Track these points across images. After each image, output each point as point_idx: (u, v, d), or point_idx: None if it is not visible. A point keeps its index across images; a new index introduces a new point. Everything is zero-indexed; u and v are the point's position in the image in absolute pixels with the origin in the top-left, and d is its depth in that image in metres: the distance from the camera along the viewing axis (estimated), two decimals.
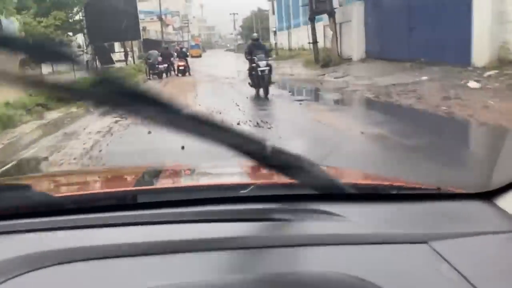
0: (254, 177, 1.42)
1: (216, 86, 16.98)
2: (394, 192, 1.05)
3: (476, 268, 0.76)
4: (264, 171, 1.28)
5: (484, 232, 0.87)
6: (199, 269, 0.78)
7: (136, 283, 0.75)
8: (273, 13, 31.98)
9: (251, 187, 1.01)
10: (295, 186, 0.99)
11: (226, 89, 15.14)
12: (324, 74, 16.94)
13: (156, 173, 1.58)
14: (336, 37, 19.50)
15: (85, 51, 36.08)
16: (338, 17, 19.88)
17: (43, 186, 1.46)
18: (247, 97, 12.07)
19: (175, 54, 23.67)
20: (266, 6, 70.55)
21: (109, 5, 37.90)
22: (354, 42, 19.33)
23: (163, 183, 1.49)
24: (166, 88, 17.61)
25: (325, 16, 21.54)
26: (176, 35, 79.49)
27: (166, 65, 22.91)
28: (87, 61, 36.49)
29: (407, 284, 0.73)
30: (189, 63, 23.69)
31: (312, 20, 22.02)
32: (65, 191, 1.39)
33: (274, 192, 1.03)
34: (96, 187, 1.55)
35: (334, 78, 15.22)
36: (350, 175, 1.60)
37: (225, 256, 0.82)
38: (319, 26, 23.23)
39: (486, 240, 0.86)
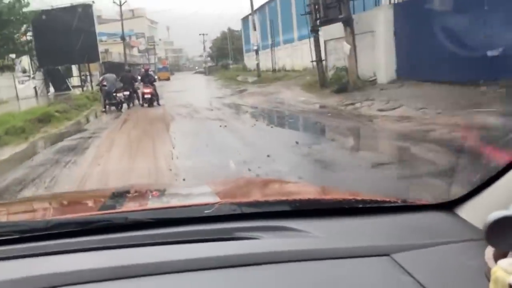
0: (220, 196, 1.41)
1: (201, 124, 11.35)
2: (359, 206, 1.02)
3: (436, 278, 0.76)
4: (231, 190, 1.61)
5: (446, 242, 0.87)
6: None
7: None
8: (254, 29, 27.04)
9: (216, 206, 1.00)
10: (260, 204, 1.08)
11: (218, 132, 9.60)
12: (351, 103, 11.90)
13: (123, 195, 1.61)
14: (355, 53, 14.60)
15: (31, 76, 30.23)
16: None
17: (5, 212, 1.50)
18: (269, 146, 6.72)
19: (140, 78, 18.14)
20: (237, 26, 66.53)
21: (62, 23, 32.58)
22: (380, 59, 14.52)
23: (131, 205, 1.48)
24: (125, 129, 11.99)
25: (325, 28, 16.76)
26: (141, 57, 73.86)
27: (127, 92, 17.50)
28: (34, 88, 30.76)
29: None
30: (157, 90, 18.39)
31: (316, 31, 17.13)
32: (30, 217, 1.37)
33: (239, 210, 1.00)
34: (63, 212, 1.51)
35: (378, 110, 10.09)
36: (315, 191, 1.64)
37: (193, 278, 0.80)
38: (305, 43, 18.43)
39: (447, 249, 0.85)
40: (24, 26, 32.83)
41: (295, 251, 0.86)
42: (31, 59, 33.07)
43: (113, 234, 0.96)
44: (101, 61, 50.58)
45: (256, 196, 1.52)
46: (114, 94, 16.58)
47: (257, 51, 29.49)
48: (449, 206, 1.00)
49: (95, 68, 51.51)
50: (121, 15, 41.94)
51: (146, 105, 17.24)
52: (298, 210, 1.01)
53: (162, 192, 1.72)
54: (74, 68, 38.92)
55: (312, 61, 18.26)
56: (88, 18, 34.03)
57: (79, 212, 1.33)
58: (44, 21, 32.34)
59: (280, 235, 0.93)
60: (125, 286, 0.79)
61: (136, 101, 18.42)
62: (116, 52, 54.26)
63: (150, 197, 1.67)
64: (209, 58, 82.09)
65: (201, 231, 0.95)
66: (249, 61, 54.15)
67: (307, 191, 1.58)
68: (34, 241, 0.95)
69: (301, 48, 34.57)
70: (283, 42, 38.08)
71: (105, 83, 17.34)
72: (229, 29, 75.35)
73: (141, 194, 1.68)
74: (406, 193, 3.85)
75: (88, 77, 37.52)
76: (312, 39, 18.58)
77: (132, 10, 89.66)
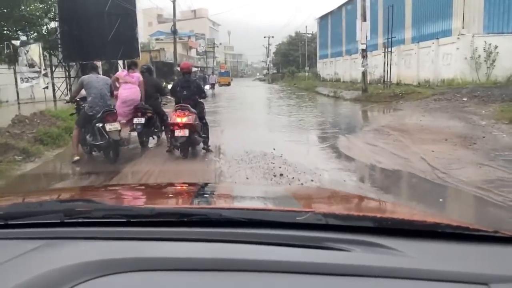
0: (303, 204, 1.43)
1: None
2: (450, 231, 0.96)
3: None
4: (315, 199, 1.60)
5: None
6: None
7: None
8: (364, 19, 16.23)
9: (308, 214, 0.98)
10: (351, 218, 1.02)
11: None
12: None
13: (214, 192, 1.70)
14: None
15: (42, 71, 21.26)
16: None
17: (107, 198, 1.54)
18: None
19: (170, 89, 7.76)
20: (312, 27, 55.95)
21: (96, 6, 23.66)
22: None
23: (222, 202, 1.52)
24: None
25: None
26: (199, 60, 65.13)
27: (141, 120, 7.55)
28: (53, 89, 21.77)
29: None
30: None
31: None
32: (134, 204, 1.41)
33: (331, 221, 0.97)
34: (160, 202, 1.51)
35: None
36: (404, 211, 1.57)
37: (283, 280, 0.80)
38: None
39: None
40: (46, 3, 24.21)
41: (387, 267, 0.81)
42: (47, 50, 24.34)
43: (209, 228, 0.96)
44: (151, 59, 42.23)
45: (344, 209, 1.44)
46: (101, 124, 6.49)
47: (365, 52, 18.54)
48: None
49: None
50: (174, 8, 32.51)
51: (178, 151, 6.96)
52: (389, 228, 0.95)
53: (250, 193, 1.74)
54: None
55: None
56: (128, 2, 24.75)
57: (176, 204, 1.44)
58: (73, 2, 23.64)
59: (371, 250, 0.87)
60: (222, 279, 0.79)
61: (159, 137, 8.41)
62: (172, 52, 45.13)
63: (239, 196, 1.68)
64: (271, 65, 71.99)
65: (292, 237, 0.93)
66: (324, 68, 43.33)
67: (395, 210, 1.54)
68: (138, 226, 0.98)
69: (418, 52, 23.68)
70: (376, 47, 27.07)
71: (82, 101, 7.21)
72: (297, 32, 64.80)
73: (231, 192, 1.73)
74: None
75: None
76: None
77: (194, 11, 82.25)
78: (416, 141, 7.64)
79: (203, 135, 7.11)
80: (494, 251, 0.92)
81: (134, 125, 7.83)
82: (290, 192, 1.69)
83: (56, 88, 23.43)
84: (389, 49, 19.63)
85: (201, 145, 7.27)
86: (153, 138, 8.45)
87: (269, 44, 68.05)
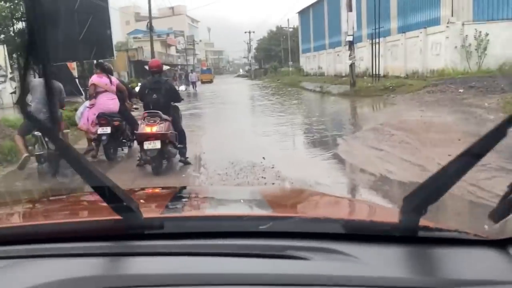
0: (272, 205, 1.41)
1: None
2: (410, 235, 0.94)
3: None
4: (283, 200, 1.64)
5: (498, 282, 0.81)
6: None
7: None
8: (350, 9, 15.24)
9: (270, 223, 0.97)
10: (314, 222, 1.01)
11: None
12: None
13: (181, 198, 1.61)
14: None
15: (8, 75, 19.72)
16: None
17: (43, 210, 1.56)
18: None
19: (138, 92, 6.65)
20: (293, 21, 54.84)
21: (65, 3, 22.16)
22: None
23: (189, 210, 1.46)
24: None
25: None
26: (179, 57, 63.47)
27: (107, 130, 6.40)
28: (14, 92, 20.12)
29: None
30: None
31: None
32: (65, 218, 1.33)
33: (293, 228, 0.97)
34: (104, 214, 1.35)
35: None
36: (369, 211, 1.55)
37: None
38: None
39: None
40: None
41: (344, 276, 0.82)
42: (16, 52, 22.78)
43: (163, 241, 0.93)
44: (129, 59, 40.57)
45: (309, 210, 1.48)
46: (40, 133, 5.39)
47: (351, 44, 17.54)
48: (504, 243, 0.91)
49: (123, 67, 41.41)
50: (149, 3, 31.06)
51: (149, 167, 5.81)
52: (350, 234, 0.95)
53: (213, 197, 1.72)
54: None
55: None
56: None
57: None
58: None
59: (330, 257, 0.88)
60: None
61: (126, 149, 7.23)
62: (149, 51, 43.55)
63: (202, 201, 1.64)
64: (253, 61, 70.74)
65: (255, 246, 0.92)
66: (307, 63, 42.32)
67: (359, 210, 1.59)
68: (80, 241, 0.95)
69: (405, 43, 22.81)
70: (368, 37, 26.19)
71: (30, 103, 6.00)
72: (278, 27, 63.68)
73: (197, 198, 1.69)
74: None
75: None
76: None
77: (172, 8, 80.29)
78: (425, 143, 6.65)
79: (179, 146, 5.96)
80: (452, 254, 0.90)
81: (97, 136, 6.66)
82: (260, 194, 1.67)
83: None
84: (377, 40, 18.65)
85: (178, 156, 6.13)
86: (122, 150, 7.28)
87: (250, 39, 66.73)
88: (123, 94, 7.13)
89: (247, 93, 26.93)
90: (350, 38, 17.40)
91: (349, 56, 17.58)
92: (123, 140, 7.12)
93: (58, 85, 6.61)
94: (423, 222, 0.99)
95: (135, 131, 5.89)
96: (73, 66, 24.40)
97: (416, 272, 0.84)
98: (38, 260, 0.90)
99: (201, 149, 7.52)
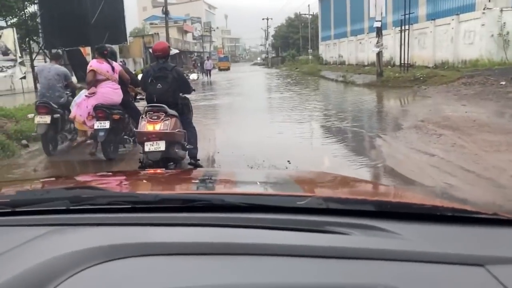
0: (304, 188, 1.43)
1: None
2: (450, 214, 0.96)
3: None
4: (315, 183, 1.59)
5: None
6: (256, 272, 0.78)
7: (200, 280, 0.76)
8: None
9: (308, 199, 0.99)
10: (351, 201, 1.01)
11: None
12: None
13: (217, 178, 1.69)
14: None
15: (18, 60, 18.94)
16: None
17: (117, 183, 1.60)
18: None
19: (140, 80, 5.43)
20: (313, 8, 52.94)
21: None
22: None
23: (225, 188, 1.49)
24: None
25: None
26: (195, 44, 62.35)
27: (105, 124, 5.45)
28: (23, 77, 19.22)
29: None
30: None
31: None
32: (138, 190, 1.41)
33: (331, 206, 0.98)
34: (164, 189, 1.49)
35: None
36: (404, 194, 1.59)
37: (280, 263, 0.80)
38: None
39: None
40: None
41: (386, 250, 0.81)
42: (28, 36, 22.08)
43: (212, 213, 0.97)
44: (144, 45, 39.58)
45: (344, 193, 1.40)
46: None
47: (379, 30, 16.17)
48: None
49: (138, 53, 40.44)
50: None
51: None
52: (389, 212, 0.95)
53: (252, 178, 1.73)
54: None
55: None
56: None
57: (179, 190, 1.41)
58: None
59: (370, 233, 0.87)
60: (224, 262, 0.80)
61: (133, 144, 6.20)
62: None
63: (241, 181, 1.68)
64: (270, 48, 69.19)
65: (293, 221, 0.93)
66: (327, 51, 40.71)
67: (396, 194, 1.55)
68: (143, 212, 0.99)
69: (434, 31, 21.23)
70: (393, 24, 24.61)
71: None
72: (296, 14, 61.89)
73: (233, 178, 1.72)
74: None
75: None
76: None
77: None
78: (483, 146, 5.47)
79: (188, 146, 4.91)
80: (491, 233, 0.91)
81: (94, 131, 5.66)
82: (292, 177, 1.66)
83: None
84: (407, 27, 17.19)
85: (188, 158, 5.10)
86: (124, 147, 6.27)
87: (267, 26, 65.15)
88: (126, 83, 6.10)
89: (265, 82, 25.70)
90: (378, 24, 16.02)
91: (376, 43, 16.23)
92: (125, 137, 6.11)
93: (62, 70, 6.68)
94: (461, 204, 1.08)
95: (134, 129, 4.87)
96: (87, 52, 23.58)
97: (460, 248, 0.83)
98: (73, 228, 0.93)
99: (214, 148, 6.47)
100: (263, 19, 64.28)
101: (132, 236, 0.88)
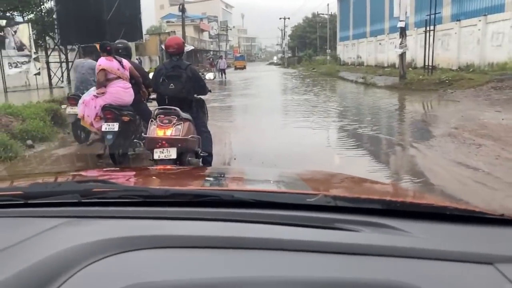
0: (313, 188, 1.40)
1: None
2: (458, 214, 0.97)
3: None
4: (324, 183, 1.59)
5: None
6: (265, 266, 0.78)
7: (210, 272, 0.76)
8: None
9: (318, 196, 0.99)
10: (361, 200, 1.01)
11: None
12: None
13: (227, 176, 1.71)
14: None
15: (33, 55, 18.76)
16: None
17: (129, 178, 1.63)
18: None
19: (153, 80, 4.92)
20: (331, 7, 52.13)
21: None
22: None
23: (234, 185, 1.51)
24: None
25: None
26: (212, 43, 62.10)
27: (113, 126, 5.03)
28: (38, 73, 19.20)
29: None
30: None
31: None
32: (148, 185, 1.43)
33: (341, 203, 0.99)
34: (174, 184, 1.49)
35: None
36: (412, 194, 1.63)
37: (289, 257, 0.81)
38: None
39: None
40: None
41: (395, 247, 0.82)
42: (45, 31, 21.89)
43: (222, 208, 0.97)
44: (161, 43, 39.35)
45: (353, 192, 1.40)
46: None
47: (403, 31, 15.47)
48: None
49: (155, 51, 40.17)
50: None
51: None
52: (397, 211, 0.95)
53: (261, 176, 1.75)
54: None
55: None
56: None
57: (189, 185, 1.42)
58: None
59: (379, 231, 0.87)
60: (234, 255, 0.81)
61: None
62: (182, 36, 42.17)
63: (250, 179, 1.69)
64: (286, 48, 68.52)
65: (302, 217, 0.93)
66: (345, 51, 39.96)
67: (404, 193, 1.55)
68: (154, 206, 1.00)
69: (459, 32, 20.39)
70: (415, 25, 23.81)
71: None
72: (314, 13, 61.12)
73: (242, 175, 1.74)
74: None
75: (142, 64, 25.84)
76: None
77: None
78: None
79: (202, 154, 4.42)
80: (499, 233, 0.91)
81: (102, 133, 5.22)
82: (301, 176, 1.63)
83: (53, 74, 20.93)
84: (432, 28, 16.44)
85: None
86: (134, 152, 5.80)
87: (284, 25, 64.50)
88: (138, 82, 5.64)
89: (282, 83, 25.07)
90: (402, 24, 15.31)
91: (400, 44, 15.52)
92: (135, 140, 5.64)
93: (95, 64, 6.07)
94: (470, 205, 1.08)
95: (143, 135, 4.40)
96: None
97: (469, 247, 0.83)
98: (85, 220, 0.95)
99: (230, 153, 5.97)
100: (280, 18, 63.62)
101: (144, 228, 0.89)
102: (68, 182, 1.35)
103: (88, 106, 5.42)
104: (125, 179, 1.56)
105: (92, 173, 1.80)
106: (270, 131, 7.99)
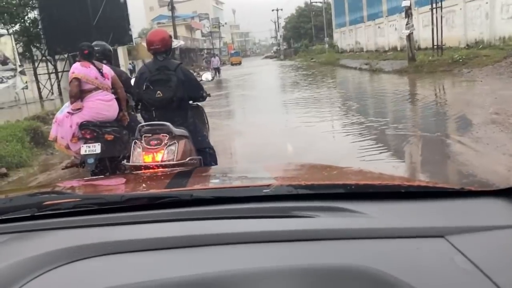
0: (278, 180, 1.37)
1: None
2: (414, 190, 1.00)
3: (491, 261, 0.75)
4: (288, 173, 1.58)
5: (501, 227, 0.84)
6: (223, 261, 0.79)
7: (167, 273, 0.75)
8: None
9: (273, 187, 1.00)
10: (316, 186, 1.05)
11: None
12: None
13: (188, 176, 1.67)
14: None
15: (18, 69, 17.77)
16: None
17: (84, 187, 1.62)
18: None
19: (135, 84, 4.03)
20: None
21: None
22: None
23: (195, 184, 1.53)
24: None
25: None
26: (205, 42, 61.00)
27: (94, 147, 4.00)
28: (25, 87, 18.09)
29: (424, 276, 0.73)
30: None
31: None
32: (106, 192, 1.41)
33: (296, 191, 1.00)
34: (134, 189, 1.50)
35: None
36: (371, 176, 1.60)
37: (251, 249, 0.81)
38: None
39: (502, 234, 0.82)
40: None
41: (351, 229, 0.84)
42: (31, 43, 20.91)
43: (180, 208, 0.98)
44: (133, 43, 38.44)
45: (313, 179, 1.39)
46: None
47: (408, 10, 14.44)
48: (509, 192, 0.92)
49: (147, 54, 39.21)
50: None
51: None
52: (353, 193, 0.98)
53: (223, 174, 1.74)
54: (121, 53, 26.72)
55: None
56: None
57: (149, 189, 1.43)
58: None
59: (336, 215, 0.90)
60: (191, 254, 0.81)
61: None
62: (176, 35, 41.26)
63: (212, 178, 1.69)
64: (281, 40, 67.31)
65: (259, 209, 0.95)
66: (342, 39, 38.84)
67: (363, 176, 1.57)
68: (110, 213, 0.99)
69: (464, 8, 19.32)
70: (415, 4, 22.69)
71: None
72: (306, 3, 59.84)
73: (204, 175, 1.74)
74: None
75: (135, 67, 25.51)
76: None
77: None
78: None
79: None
80: (453, 205, 0.92)
81: (81, 157, 4.28)
82: (266, 169, 1.67)
83: (42, 86, 20.00)
84: (439, 4, 15.38)
85: None
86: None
87: (277, 17, 63.32)
88: (121, 96, 4.64)
89: (281, 76, 23.94)
90: (407, 3, 14.28)
91: (406, 25, 14.48)
92: (124, 162, 4.68)
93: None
94: (425, 181, 1.13)
95: (124, 162, 3.42)
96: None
97: (421, 222, 0.85)
98: (36, 234, 0.93)
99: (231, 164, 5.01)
100: (272, 10, 62.46)
101: (97, 236, 0.88)
102: (21, 197, 1.29)
103: (61, 125, 4.45)
104: (82, 188, 1.56)
105: (49, 187, 1.75)
106: (275, 135, 6.94)
